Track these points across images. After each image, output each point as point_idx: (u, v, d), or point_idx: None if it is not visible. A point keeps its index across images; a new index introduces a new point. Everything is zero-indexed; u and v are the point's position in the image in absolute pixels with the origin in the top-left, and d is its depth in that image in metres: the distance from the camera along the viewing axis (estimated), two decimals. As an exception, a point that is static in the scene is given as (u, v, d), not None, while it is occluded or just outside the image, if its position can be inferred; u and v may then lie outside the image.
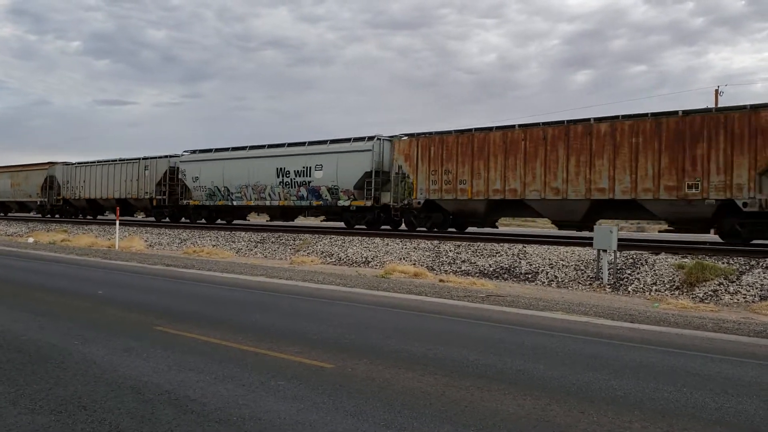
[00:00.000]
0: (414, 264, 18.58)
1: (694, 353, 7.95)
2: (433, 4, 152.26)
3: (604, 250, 15.39)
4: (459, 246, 19.64)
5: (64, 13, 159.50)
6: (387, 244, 21.22)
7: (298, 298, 12.30)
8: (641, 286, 14.75)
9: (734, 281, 13.85)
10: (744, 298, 13.21)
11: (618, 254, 15.90)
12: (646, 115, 18.29)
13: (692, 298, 13.48)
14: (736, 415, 5.37)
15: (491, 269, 17.49)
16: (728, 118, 16.73)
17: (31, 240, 30.02)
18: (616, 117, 18.85)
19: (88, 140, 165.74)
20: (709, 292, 13.65)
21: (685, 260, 15.19)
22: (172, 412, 5.08)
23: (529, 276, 16.61)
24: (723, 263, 14.68)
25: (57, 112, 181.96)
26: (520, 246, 18.62)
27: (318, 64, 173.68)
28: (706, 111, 17.94)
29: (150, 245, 27.34)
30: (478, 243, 19.64)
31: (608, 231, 15.32)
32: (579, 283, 15.65)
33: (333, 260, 21.02)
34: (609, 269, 15.40)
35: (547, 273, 16.49)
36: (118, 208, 30.70)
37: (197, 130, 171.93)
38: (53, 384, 5.79)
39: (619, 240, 15.84)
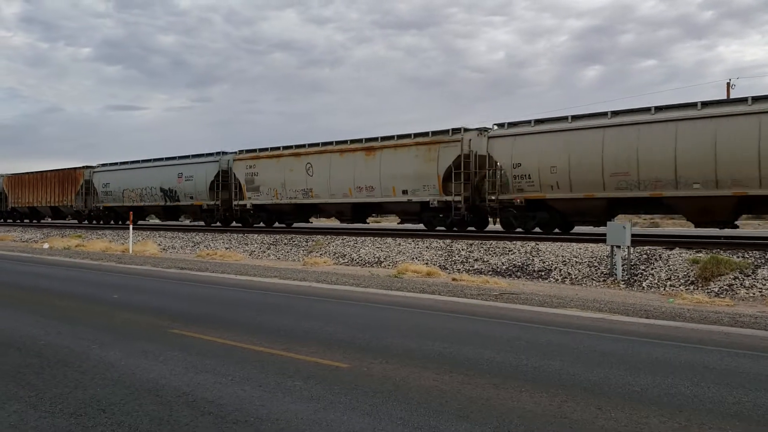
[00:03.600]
0: (427, 263, 18.59)
1: (710, 348, 7.91)
2: (440, 4, 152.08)
3: (618, 246, 15.31)
4: (471, 245, 19.61)
5: (75, 20, 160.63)
6: (399, 244, 21.23)
7: (312, 299, 12.33)
8: (656, 281, 14.67)
9: (750, 275, 13.75)
10: (760, 292, 13.11)
11: (632, 250, 15.83)
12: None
13: (707, 292, 13.39)
14: (754, 409, 5.34)
15: (504, 267, 17.45)
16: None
17: (46, 246, 30.27)
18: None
19: (100, 146, 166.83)
20: (725, 287, 13.56)
21: (700, 255, 15.09)
22: (189, 413, 5.12)
23: (543, 273, 16.57)
24: (738, 257, 14.58)
25: (69, 119, 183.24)
26: (532, 243, 18.57)
27: (327, 65, 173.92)
28: None
29: (163, 249, 27.49)
30: (491, 241, 19.60)
31: (621, 227, 15.25)
32: (593, 279, 15.59)
33: (346, 261, 21.05)
34: (623, 265, 15.33)
35: (560, 270, 16.44)
36: (131, 213, 30.91)
37: (208, 134, 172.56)
38: (72, 387, 5.85)
39: (632, 236, 15.76)
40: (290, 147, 29.30)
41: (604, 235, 15.96)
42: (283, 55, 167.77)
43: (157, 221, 39.98)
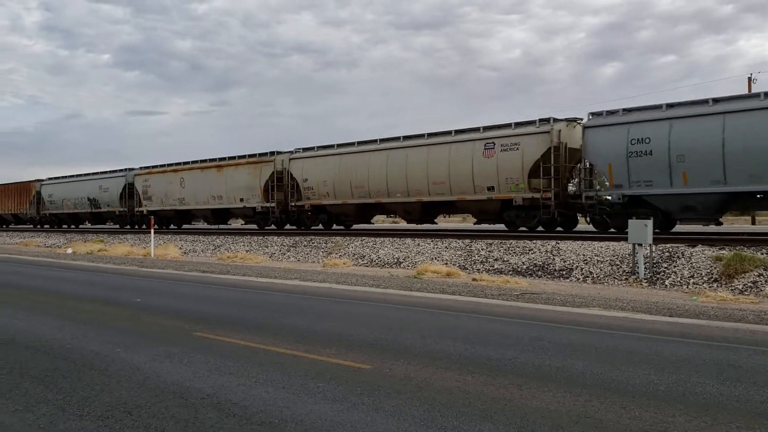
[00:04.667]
0: (446, 264, 18.56)
1: (735, 346, 7.82)
2: (455, 3, 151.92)
3: (640, 244, 15.19)
4: (491, 244, 19.55)
5: (93, 27, 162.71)
6: (418, 245, 21.22)
7: (333, 301, 12.37)
8: (678, 279, 14.53)
9: (775, 272, 13.56)
10: (785, 288, 12.93)
11: (654, 248, 15.69)
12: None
13: (731, 290, 13.24)
14: (782, 407, 5.28)
15: (524, 267, 17.38)
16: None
17: (69, 251, 30.65)
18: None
19: (120, 152, 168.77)
20: (749, 284, 13.39)
21: (723, 252, 14.92)
22: (215, 415, 5.17)
23: (564, 272, 16.47)
24: (762, 254, 14.39)
25: (89, 125, 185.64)
26: (553, 243, 18.47)
27: (343, 67, 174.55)
28: None
29: (185, 252, 27.72)
30: (510, 241, 19.53)
31: (643, 225, 15.11)
32: (615, 278, 15.47)
33: (365, 262, 21.09)
34: (645, 263, 15.20)
35: (581, 269, 16.34)
36: (152, 218, 31.36)
37: (226, 138, 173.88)
38: (99, 390, 5.92)
39: (654, 233, 15.60)
40: (172, 165, 36.95)
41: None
42: (299, 57, 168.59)
43: (87, 225, 46.95)
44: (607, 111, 20.33)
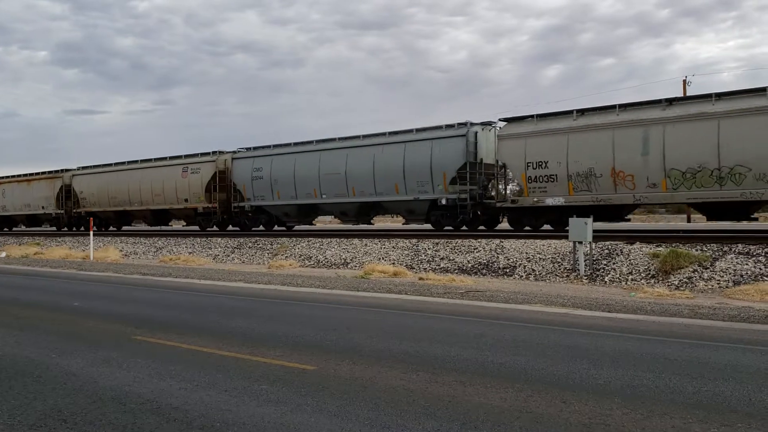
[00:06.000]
0: (393, 263, 18.63)
1: (671, 340, 8.08)
2: (401, 4, 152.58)
3: (580, 242, 15.54)
4: (437, 244, 19.71)
5: (29, 23, 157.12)
6: (366, 245, 21.23)
7: (278, 302, 12.26)
8: (617, 276, 14.94)
9: (708, 267, 14.09)
10: (718, 284, 13.44)
11: (593, 245, 16.08)
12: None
13: (668, 285, 13.68)
14: (713, 397, 5.47)
15: (470, 265, 17.58)
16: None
17: (3, 254, 29.52)
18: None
19: (60, 152, 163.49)
20: (684, 280, 13.86)
21: (660, 249, 15.40)
22: (154, 420, 5.04)
23: (507, 270, 16.73)
24: (697, 250, 14.92)
25: (26, 124, 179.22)
26: (497, 241, 18.73)
27: (289, 66, 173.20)
28: None
29: (125, 255, 27.05)
30: (456, 240, 19.73)
31: (583, 223, 15.47)
32: (556, 275, 15.80)
33: (312, 263, 20.98)
34: (585, 260, 15.57)
35: (524, 267, 16.62)
36: (91, 219, 30.43)
37: (172, 138, 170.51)
38: (32, 398, 5.71)
39: (594, 231, 15.99)
40: (110, 164, 36.77)
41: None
42: (244, 56, 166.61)
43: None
44: (253, 147, 30.37)
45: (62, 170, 38.67)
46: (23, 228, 44.89)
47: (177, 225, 40.18)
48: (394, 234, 22.96)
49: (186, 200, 31.34)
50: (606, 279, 14.95)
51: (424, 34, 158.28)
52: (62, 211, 37.88)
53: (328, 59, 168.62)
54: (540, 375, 6.28)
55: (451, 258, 18.35)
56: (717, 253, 14.59)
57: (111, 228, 37.79)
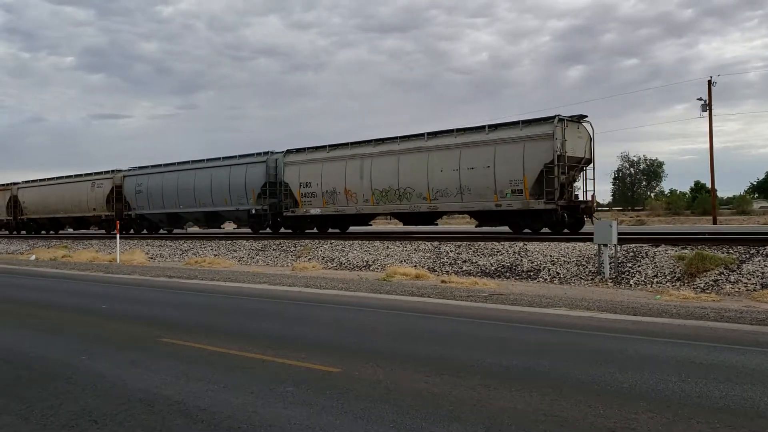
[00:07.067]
0: (415, 266, 18.64)
1: (697, 343, 8.00)
2: (422, 6, 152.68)
3: (605, 245, 15.44)
4: (459, 246, 19.69)
5: (56, 29, 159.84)
6: (387, 247, 21.27)
7: (302, 305, 12.34)
8: (642, 278, 14.80)
9: (735, 270, 13.91)
10: (745, 287, 13.26)
11: (618, 248, 15.96)
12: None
13: (693, 288, 13.53)
14: (741, 402, 5.42)
15: (493, 268, 17.53)
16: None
17: (32, 257, 30.04)
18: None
19: (85, 155, 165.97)
20: (710, 282, 13.70)
21: (685, 251, 15.24)
22: (182, 422, 5.12)
23: (531, 273, 16.66)
24: (723, 253, 14.74)
25: (52, 129, 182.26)
26: (521, 244, 18.67)
27: (311, 70, 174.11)
28: None
29: (151, 258, 27.38)
30: (479, 243, 19.69)
31: (608, 225, 15.37)
32: (581, 278, 15.70)
33: (334, 265, 21.06)
34: (610, 263, 15.45)
35: (548, 270, 16.54)
36: (117, 222, 30.87)
37: (195, 141, 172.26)
38: (63, 399, 5.83)
39: (619, 234, 15.89)
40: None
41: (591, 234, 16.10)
42: (266, 60, 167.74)
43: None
44: (138, 166, 37.85)
45: (113, 171, 39.32)
46: (71, 230, 45.89)
47: (93, 229, 44.86)
48: (416, 236, 22.98)
49: (94, 209, 39.91)
50: (631, 282, 14.82)
51: (445, 35, 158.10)
52: (112, 213, 37.88)
53: (348, 63, 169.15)
54: (565, 379, 6.27)
55: (473, 261, 18.32)
56: (744, 256, 14.39)
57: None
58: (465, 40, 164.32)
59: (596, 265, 15.89)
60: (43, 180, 45.21)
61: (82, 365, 7.20)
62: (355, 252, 21.73)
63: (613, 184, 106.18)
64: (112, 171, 38.84)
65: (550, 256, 17.22)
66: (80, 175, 41.41)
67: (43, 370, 6.99)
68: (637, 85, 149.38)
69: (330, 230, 29.35)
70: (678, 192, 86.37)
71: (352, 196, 26.40)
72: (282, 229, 30.64)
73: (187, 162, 34.54)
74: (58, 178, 43.43)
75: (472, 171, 22.70)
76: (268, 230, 30.64)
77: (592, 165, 22.63)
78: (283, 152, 29.87)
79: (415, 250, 20.37)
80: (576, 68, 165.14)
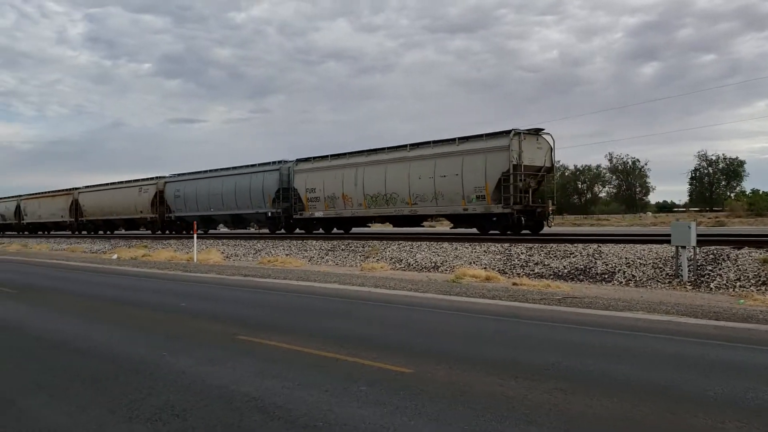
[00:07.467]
0: (485, 268, 18.46)
1: (787, 351, 7.62)
2: (490, 5, 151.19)
3: (683, 247, 14.90)
4: (531, 248, 19.39)
5: (135, 37, 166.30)
6: (456, 249, 21.15)
7: (372, 305, 12.41)
8: (724, 282, 14.20)
9: (826, 274, 13.16)
10: (838, 291, 12.54)
11: (697, 250, 15.37)
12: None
13: (781, 293, 12.87)
14: (837, 414, 5.13)
15: (566, 271, 17.19)
16: None
17: (114, 257, 31.33)
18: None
19: (161, 159, 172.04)
20: (800, 287, 13.01)
21: (772, 254, 14.52)
22: (259, 418, 5.24)
23: (606, 276, 16.24)
24: (813, 256, 13.97)
25: (132, 133, 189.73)
26: (594, 246, 18.23)
27: (378, 72, 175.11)
28: None
29: (227, 257, 28.10)
30: (551, 244, 19.35)
31: (686, 227, 14.82)
32: (658, 281, 15.19)
33: (402, 266, 21.10)
34: (689, 266, 14.90)
35: (624, 272, 16.08)
36: (195, 222, 32.01)
37: (265, 145, 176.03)
38: (146, 393, 6.05)
39: (698, 235, 15.30)
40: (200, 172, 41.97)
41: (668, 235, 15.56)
42: (335, 64, 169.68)
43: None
44: (177, 173, 42.08)
45: (156, 177, 43.69)
46: (123, 231, 50.27)
47: (141, 229, 48.88)
48: (486, 238, 22.77)
49: (141, 212, 44.09)
50: (711, 285, 14.24)
51: (514, 34, 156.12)
52: (156, 215, 42.65)
53: (416, 64, 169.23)
54: (645, 384, 6.08)
55: (545, 263, 18.01)
56: (837, 259, 13.61)
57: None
58: (534, 39, 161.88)
59: (674, 267, 15.35)
60: (99, 185, 49.85)
61: (164, 361, 7.45)
62: (423, 253, 21.71)
63: (690, 185, 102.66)
64: (156, 178, 43.18)
65: (625, 258, 16.74)
66: (129, 182, 45.97)
67: (127, 366, 7.27)
68: (714, 81, 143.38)
69: (335, 231, 33.02)
70: (761, 192, 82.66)
71: (349, 201, 29.70)
72: (297, 230, 34.16)
73: (216, 170, 38.80)
74: (111, 183, 48.00)
75: (444, 179, 25.57)
76: (282, 231, 34.24)
77: (552, 173, 25.53)
78: (294, 161, 33.58)
79: (484, 252, 20.18)
80: (650, 65, 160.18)
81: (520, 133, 23.71)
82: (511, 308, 11.65)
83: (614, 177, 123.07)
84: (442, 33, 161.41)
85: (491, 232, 24.80)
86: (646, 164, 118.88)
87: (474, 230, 25.99)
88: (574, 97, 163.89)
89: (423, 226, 31.88)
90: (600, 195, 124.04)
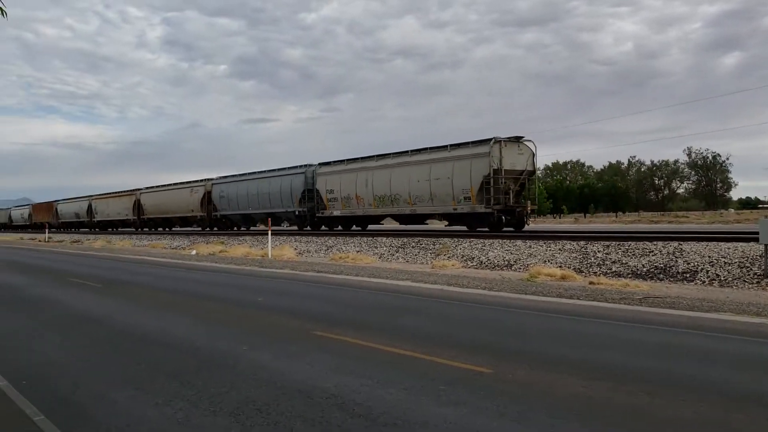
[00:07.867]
0: (560, 266, 18.06)
1: None
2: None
3: (773, 245, 14.15)
4: (608, 246, 18.86)
5: (210, 40, 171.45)
6: (530, 247, 20.79)
7: (445, 302, 12.33)
8: (819, 283, 13.41)
9: None
10: None
11: (789, 249, 14.57)
12: None
13: None
14: None
15: (644, 269, 16.63)
16: None
17: (193, 252, 32.32)
18: None
19: (236, 159, 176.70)
20: None
21: None
22: (340, 415, 5.27)
23: (687, 275, 15.62)
24: None
25: (207, 134, 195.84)
26: (675, 244, 17.57)
27: (446, 68, 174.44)
28: None
29: (299, 253, 28.55)
30: (629, 242, 18.77)
31: (777, 224, 14.09)
32: (745, 281, 14.50)
33: (474, 264, 20.89)
34: (780, 266, 14.15)
35: (707, 271, 15.43)
36: (269, 219, 32.85)
37: (334, 143, 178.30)
38: (228, 388, 6.19)
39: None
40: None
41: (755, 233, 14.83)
42: (403, 61, 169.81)
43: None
44: (221, 176, 46.84)
45: (205, 179, 48.10)
46: (178, 228, 53.91)
47: (194, 226, 52.04)
48: (560, 236, 22.29)
49: (192, 210, 48.76)
50: (805, 286, 13.48)
51: (587, 26, 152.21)
52: (205, 214, 46.84)
53: (485, 59, 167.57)
54: (738, 389, 5.80)
55: (623, 261, 17.47)
56: None
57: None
58: (608, 30, 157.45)
59: (762, 267, 14.61)
60: (158, 186, 55.34)
61: (243, 356, 7.61)
62: (495, 251, 21.44)
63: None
64: (204, 180, 47.98)
65: (709, 256, 16.06)
66: (183, 183, 51.19)
67: (209, 360, 7.46)
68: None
69: (354, 228, 35.73)
70: None
71: (361, 201, 32.68)
72: (322, 227, 37.22)
73: (253, 173, 42.79)
74: (167, 185, 53.30)
75: (438, 181, 28.12)
76: (308, 228, 37.62)
77: (534, 176, 27.76)
78: (317, 165, 37.07)
79: (559, 250, 19.76)
80: (732, 55, 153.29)
81: (500, 141, 26.27)
82: (590, 308, 11.35)
83: (693, 172, 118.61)
84: (512, 27, 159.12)
85: (478, 229, 27.52)
86: (727, 158, 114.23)
87: (480, 228, 27.69)
88: (651, 90, 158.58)
89: (426, 224, 34.79)
90: (678, 191, 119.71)
